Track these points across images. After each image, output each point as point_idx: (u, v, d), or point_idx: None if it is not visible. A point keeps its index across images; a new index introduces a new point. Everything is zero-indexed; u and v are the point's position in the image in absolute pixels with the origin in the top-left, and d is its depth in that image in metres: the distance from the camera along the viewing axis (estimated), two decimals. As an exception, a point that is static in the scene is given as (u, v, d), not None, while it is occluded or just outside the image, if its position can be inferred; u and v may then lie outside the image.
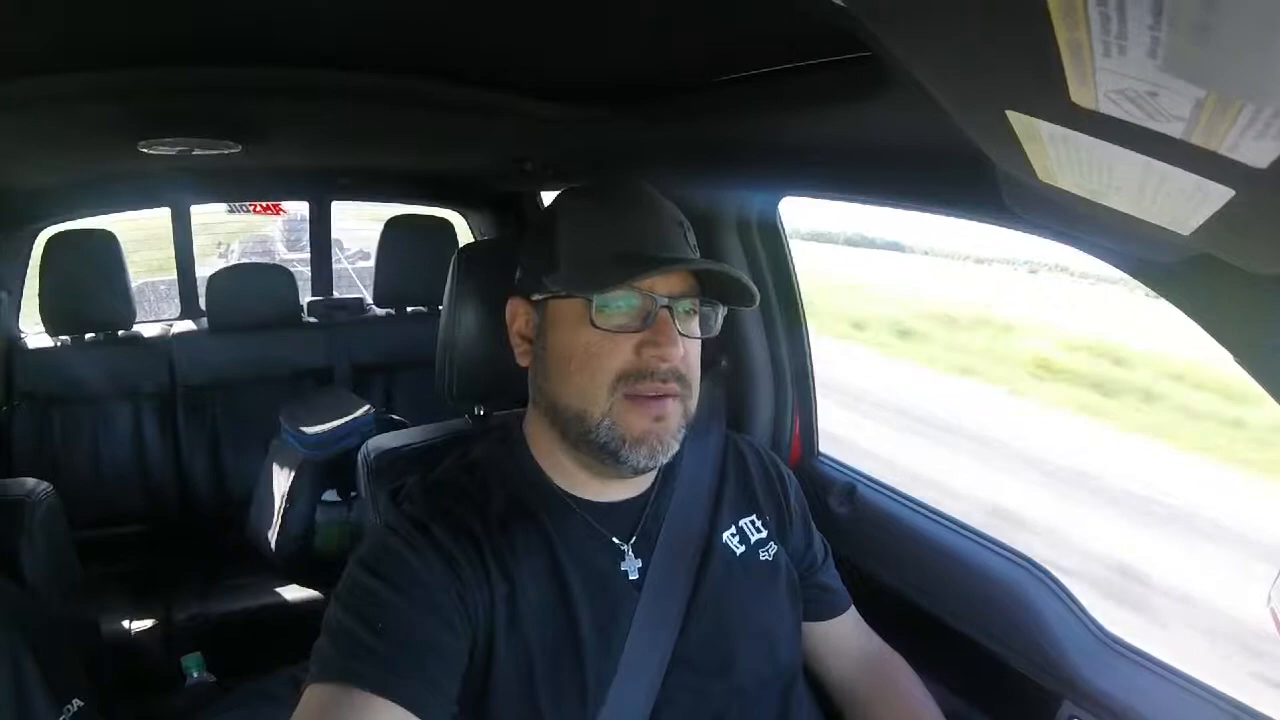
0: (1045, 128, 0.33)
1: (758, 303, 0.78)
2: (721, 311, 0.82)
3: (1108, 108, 0.25)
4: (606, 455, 0.76)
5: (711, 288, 0.79)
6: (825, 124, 0.86)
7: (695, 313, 0.79)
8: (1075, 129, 0.30)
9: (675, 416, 0.77)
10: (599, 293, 0.74)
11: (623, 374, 0.74)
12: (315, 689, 0.66)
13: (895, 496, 1.24)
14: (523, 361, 0.84)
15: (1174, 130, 0.24)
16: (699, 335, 0.80)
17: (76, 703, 1.06)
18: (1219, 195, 0.29)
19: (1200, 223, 0.37)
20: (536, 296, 0.80)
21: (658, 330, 0.74)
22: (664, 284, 0.75)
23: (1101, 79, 0.23)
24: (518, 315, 0.83)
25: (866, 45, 0.61)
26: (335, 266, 2.85)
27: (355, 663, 0.66)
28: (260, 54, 0.86)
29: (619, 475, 0.81)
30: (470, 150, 1.63)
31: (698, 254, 0.81)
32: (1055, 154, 0.37)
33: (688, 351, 0.77)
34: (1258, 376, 0.58)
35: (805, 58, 0.73)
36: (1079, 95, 0.26)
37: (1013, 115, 0.34)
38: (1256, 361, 0.58)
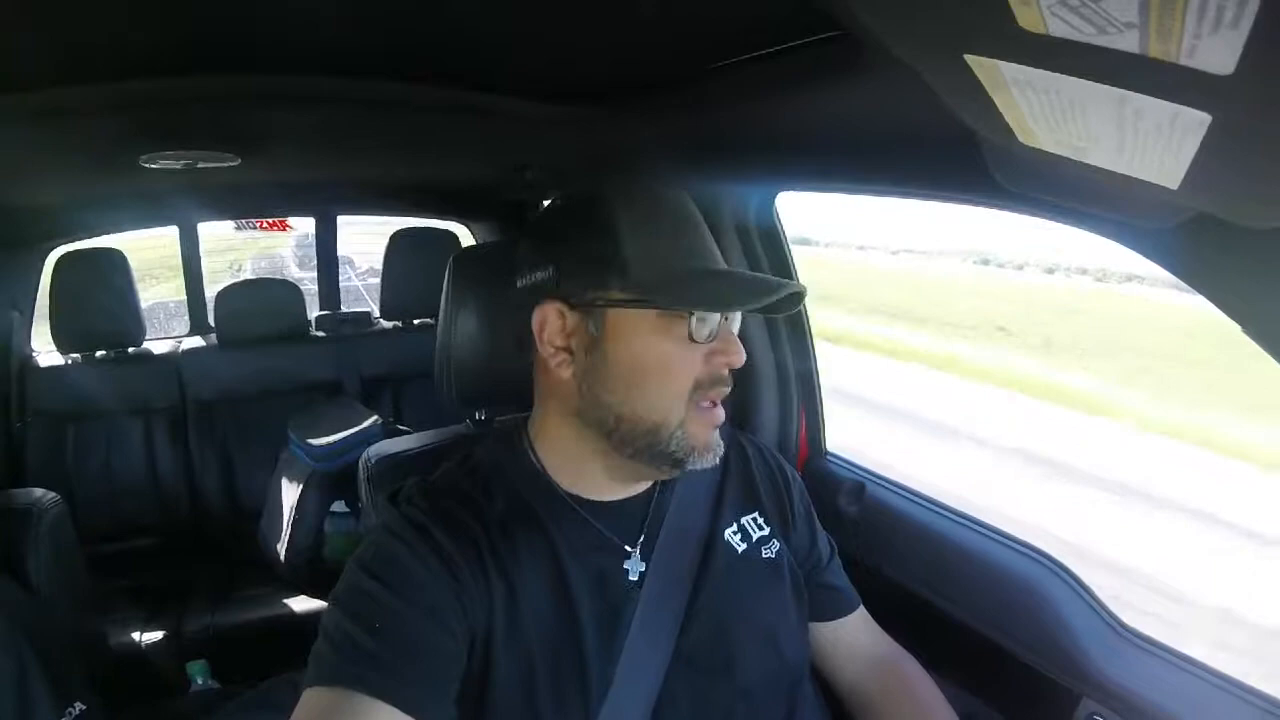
0: (1006, 70, 0.31)
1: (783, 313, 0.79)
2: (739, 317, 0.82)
3: (1056, 28, 0.24)
4: (669, 463, 0.76)
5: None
6: (812, 107, 0.86)
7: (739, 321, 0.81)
8: (1033, 64, 0.28)
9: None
10: (721, 309, 0.74)
11: (698, 383, 0.75)
12: (312, 693, 0.65)
13: (906, 494, 1.22)
14: (563, 373, 0.77)
15: (1129, 44, 0.23)
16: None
17: (79, 706, 1.07)
18: (1197, 126, 0.28)
19: (1185, 169, 0.35)
20: (597, 301, 0.74)
21: (725, 340, 0.75)
22: None
23: None
24: (549, 321, 0.76)
25: (840, 21, 0.60)
26: (347, 284, 2.86)
27: (352, 666, 0.65)
28: (254, 61, 0.86)
29: (654, 478, 0.82)
30: (471, 159, 1.63)
31: None
32: (1026, 104, 0.35)
33: None
34: (1266, 346, 0.56)
35: (788, 39, 0.72)
36: (1025, 18, 0.24)
37: (972, 60, 0.32)
38: (1264, 329, 0.55)
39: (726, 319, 0.76)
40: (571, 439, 0.80)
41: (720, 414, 0.78)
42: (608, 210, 0.76)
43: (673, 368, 0.74)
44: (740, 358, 0.75)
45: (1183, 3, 0.19)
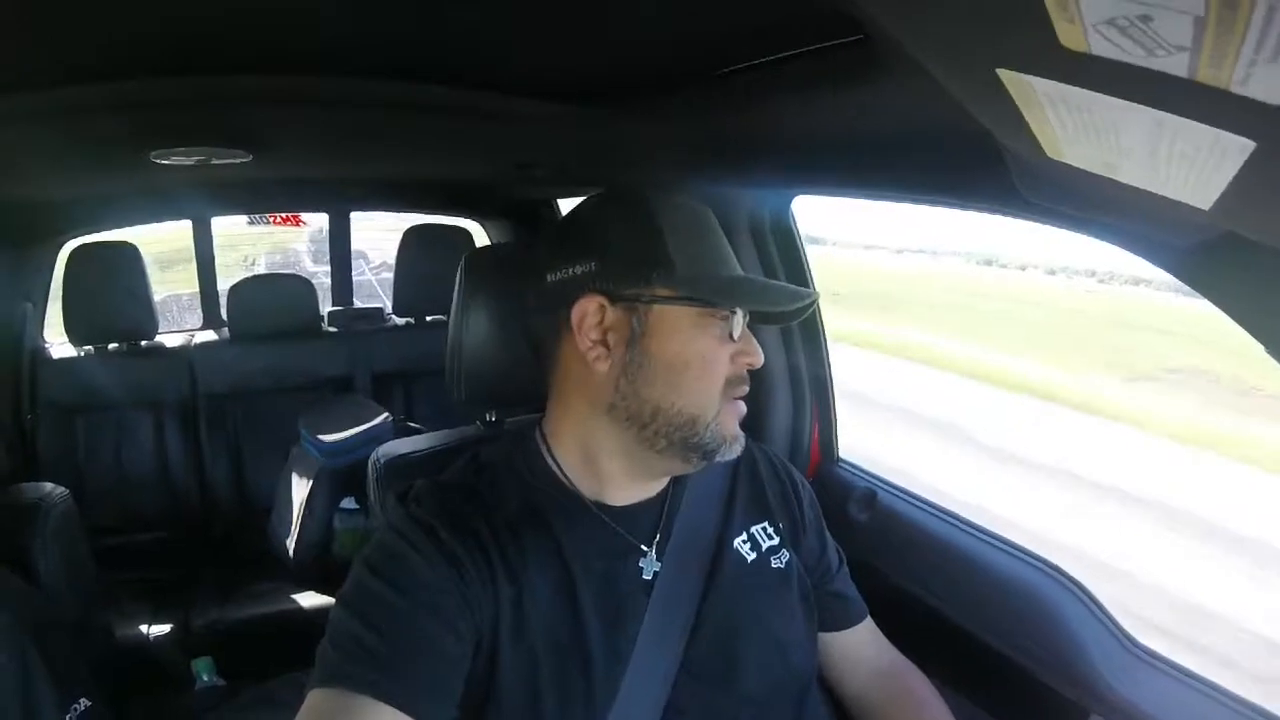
0: (1040, 85, 0.30)
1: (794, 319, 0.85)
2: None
3: (1100, 47, 0.23)
4: (700, 454, 0.78)
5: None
6: (827, 112, 0.84)
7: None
8: (1070, 81, 0.27)
9: None
10: (766, 308, 0.79)
11: (729, 380, 0.78)
12: (317, 693, 0.65)
13: (917, 502, 1.21)
14: (600, 366, 0.77)
15: (1177, 67, 0.21)
16: None
17: (84, 701, 1.08)
18: (1238, 151, 0.26)
19: (1220, 192, 0.33)
20: (642, 296, 0.75)
21: (747, 340, 0.79)
22: None
23: (1087, 8, 0.20)
24: (589, 314, 0.76)
25: (860, 26, 0.58)
26: (360, 278, 2.87)
27: (356, 666, 0.65)
28: (266, 61, 0.86)
29: (678, 472, 0.83)
30: (479, 156, 1.62)
31: None
32: (1057, 120, 0.34)
33: None
34: None
35: (803, 44, 0.71)
36: (1067, 35, 0.23)
37: (1005, 75, 0.31)
38: None
39: (746, 322, 0.79)
40: (596, 436, 0.80)
41: (743, 407, 0.81)
42: (652, 210, 0.78)
43: (711, 364, 0.77)
44: (759, 358, 0.79)
45: (1243, 29, 0.18)
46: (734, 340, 0.78)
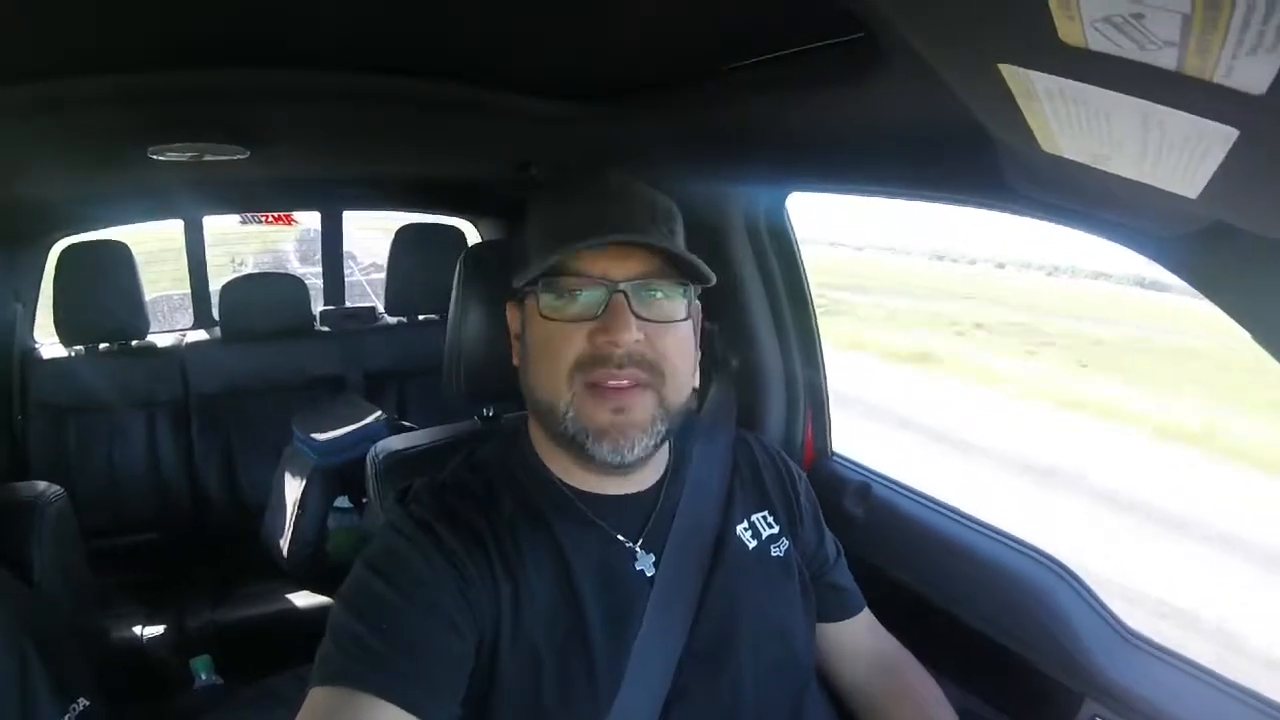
0: (1039, 80, 0.31)
1: (713, 281, 0.76)
2: (693, 291, 0.79)
3: (1097, 42, 0.24)
4: (576, 448, 0.75)
5: (682, 268, 0.76)
6: (825, 109, 0.85)
7: (663, 296, 0.76)
8: (1068, 75, 0.29)
9: (642, 409, 0.74)
10: (538, 280, 0.74)
11: (579, 363, 0.73)
12: (318, 692, 0.65)
13: (911, 495, 1.22)
14: (516, 360, 0.84)
15: (1166, 60, 0.23)
16: (668, 319, 0.76)
17: (83, 701, 1.06)
18: (1223, 140, 0.28)
19: (1207, 180, 0.35)
20: (515, 294, 0.82)
21: (608, 315, 0.72)
22: (619, 268, 0.73)
23: (1087, 6, 0.22)
24: (513, 316, 0.85)
25: (861, 23, 0.60)
26: (350, 279, 2.85)
27: (357, 665, 0.65)
28: (264, 56, 0.86)
29: (600, 471, 0.79)
30: (476, 155, 1.63)
31: (676, 239, 0.79)
32: (1053, 112, 0.36)
33: (652, 336, 0.74)
34: (1275, 353, 0.56)
35: (803, 42, 0.72)
36: (1066, 32, 0.25)
37: (1006, 70, 0.33)
38: (1273, 337, 0.55)
39: (628, 295, 0.73)
40: (536, 427, 0.83)
41: (624, 400, 0.74)
42: (534, 205, 0.82)
43: (549, 347, 0.75)
44: (621, 338, 0.71)
45: (1225, 25, 0.19)
46: (550, 317, 0.74)
